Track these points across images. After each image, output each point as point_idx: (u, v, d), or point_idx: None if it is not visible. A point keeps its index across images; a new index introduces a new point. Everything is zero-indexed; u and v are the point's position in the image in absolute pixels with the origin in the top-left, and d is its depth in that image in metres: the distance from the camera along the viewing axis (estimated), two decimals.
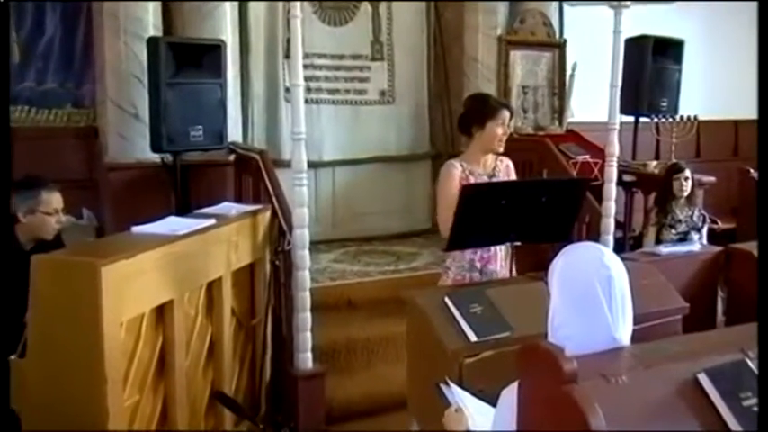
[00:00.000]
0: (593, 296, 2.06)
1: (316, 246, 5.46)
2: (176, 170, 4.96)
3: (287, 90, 5.85)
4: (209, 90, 4.95)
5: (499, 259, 3.76)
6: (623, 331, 2.10)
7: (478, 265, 3.72)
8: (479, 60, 6.66)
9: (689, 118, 6.47)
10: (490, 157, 3.81)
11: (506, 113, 3.71)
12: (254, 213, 4.22)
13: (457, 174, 3.69)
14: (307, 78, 5.90)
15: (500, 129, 3.69)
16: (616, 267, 2.12)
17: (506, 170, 3.84)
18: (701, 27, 7.78)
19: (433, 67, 6.92)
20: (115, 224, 4.74)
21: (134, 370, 3.13)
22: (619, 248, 5.12)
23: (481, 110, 3.73)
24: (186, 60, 4.85)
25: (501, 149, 3.75)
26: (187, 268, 3.49)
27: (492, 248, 3.73)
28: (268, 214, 4.34)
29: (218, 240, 3.79)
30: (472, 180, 3.69)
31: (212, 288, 3.79)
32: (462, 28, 6.76)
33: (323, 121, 6.43)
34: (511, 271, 3.75)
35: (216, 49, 5.00)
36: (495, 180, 3.74)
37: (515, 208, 3.41)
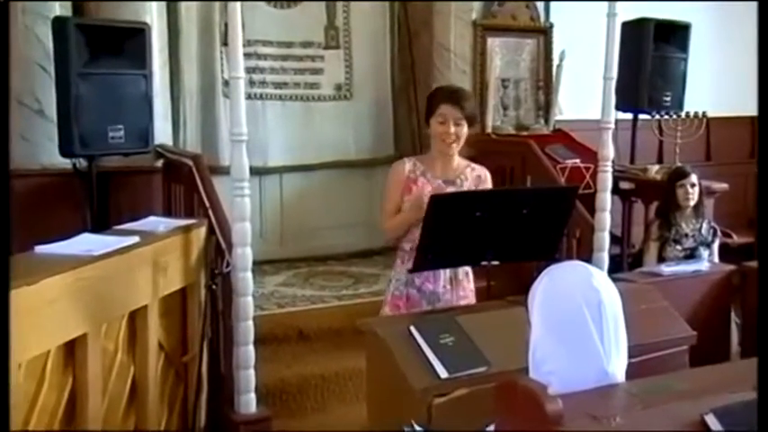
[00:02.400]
0: (580, 324, 2.06)
1: (260, 267, 5.43)
2: (91, 178, 4.91)
3: (225, 83, 5.82)
4: (130, 82, 4.90)
5: (442, 279, 3.78)
6: (617, 364, 2.10)
7: (417, 281, 3.77)
8: (451, 49, 6.67)
9: (696, 114, 6.54)
10: (457, 163, 3.84)
11: (445, 108, 3.70)
12: (187, 229, 4.19)
13: (403, 172, 3.78)
14: (249, 70, 5.92)
15: (440, 126, 3.71)
16: (607, 290, 2.13)
17: (476, 181, 3.84)
18: (709, 9, 7.87)
19: (397, 56, 6.94)
20: (15, 243, 4.65)
21: (35, 419, 3.06)
22: (615, 267, 5.15)
23: (427, 107, 3.81)
24: (102, 46, 4.80)
25: (451, 151, 3.76)
26: (104, 296, 3.44)
27: None
28: (203, 230, 4.32)
29: (142, 262, 3.75)
30: (421, 182, 3.75)
31: (135, 319, 3.74)
32: (431, 11, 6.78)
33: (268, 119, 6.43)
34: (455, 293, 3.79)
35: (139, 33, 4.96)
36: (454, 189, 3.76)
37: (492, 221, 3.42)
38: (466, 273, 3.86)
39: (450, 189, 3.73)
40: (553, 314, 2.10)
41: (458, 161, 3.84)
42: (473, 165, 3.90)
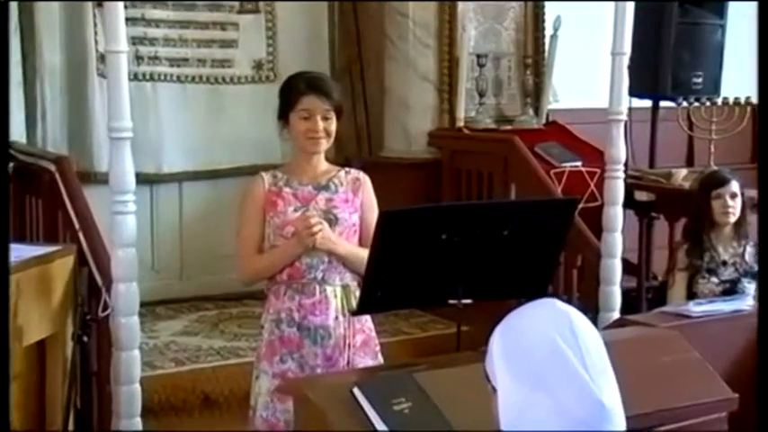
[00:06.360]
0: (554, 353, 2.15)
1: (152, 309, 5.41)
2: None
3: (101, 59, 5.80)
4: None
5: (332, 309, 3.83)
6: (612, 394, 2.13)
7: (297, 316, 3.82)
8: (409, 15, 6.73)
9: (737, 101, 6.61)
10: (327, 166, 3.97)
11: (308, 101, 3.84)
12: (47, 259, 4.18)
13: (260, 190, 3.87)
14: (135, 41, 5.91)
15: (304, 123, 3.83)
16: (577, 316, 2.24)
17: (354, 184, 3.95)
18: None
19: (338, 25, 7.00)
20: None
21: None
22: (630, 306, 5.19)
23: (282, 99, 3.93)
24: None
25: (318, 149, 3.88)
26: None
27: (318, 292, 3.81)
28: (71, 260, 4.32)
29: None
30: (288, 192, 3.84)
31: None
32: None
33: (162, 109, 6.44)
34: (352, 327, 3.83)
35: None
36: (328, 195, 3.85)
37: (464, 246, 3.45)
38: None
39: (324, 196, 3.84)
40: (520, 354, 2.17)
41: (327, 164, 3.97)
42: (347, 168, 4.03)
